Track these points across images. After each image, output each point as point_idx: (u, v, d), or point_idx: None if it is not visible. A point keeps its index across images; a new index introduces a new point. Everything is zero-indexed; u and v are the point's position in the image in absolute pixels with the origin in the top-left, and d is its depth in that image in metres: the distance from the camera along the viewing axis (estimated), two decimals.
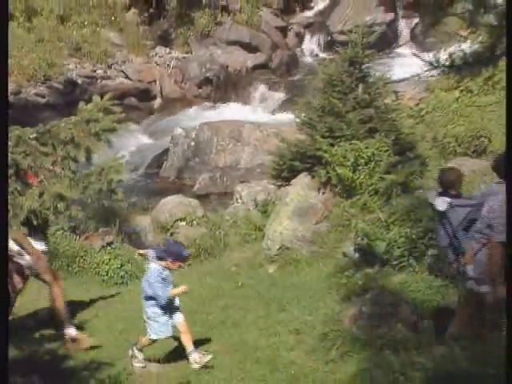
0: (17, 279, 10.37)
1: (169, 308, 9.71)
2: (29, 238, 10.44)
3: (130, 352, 10.03)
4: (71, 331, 10.62)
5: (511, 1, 4.79)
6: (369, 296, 10.71)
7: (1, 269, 5.70)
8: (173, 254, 9.56)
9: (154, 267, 9.61)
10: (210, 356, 9.68)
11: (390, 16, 25.64)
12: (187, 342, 9.71)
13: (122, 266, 15.42)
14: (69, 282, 14.60)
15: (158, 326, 9.63)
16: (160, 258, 9.59)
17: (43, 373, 9.62)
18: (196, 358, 9.62)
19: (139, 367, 9.88)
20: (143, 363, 9.93)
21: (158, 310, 9.61)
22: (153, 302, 9.58)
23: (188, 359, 9.70)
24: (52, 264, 15.05)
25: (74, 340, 10.69)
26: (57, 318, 10.66)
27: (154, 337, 9.77)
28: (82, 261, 15.26)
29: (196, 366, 9.58)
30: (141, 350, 9.97)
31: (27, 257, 10.58)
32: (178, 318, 9.79)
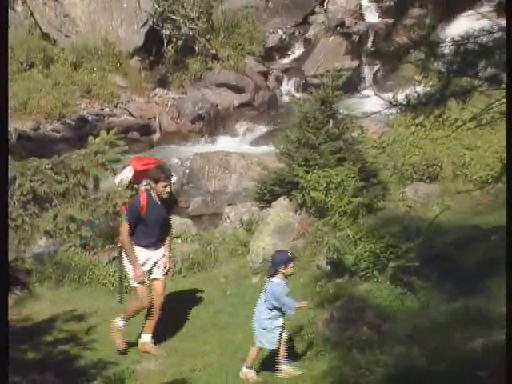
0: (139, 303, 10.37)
1: None
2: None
3: (243, 376, 9.42)
4: (145, 338, 10.48)
5: (511, 2, 4.83)
6: (339, 303, 10.77)
7: (1, 269, 5.57)
8: (282, 261, 9.27)
9: (278, 282, 9.24)
10: (299, 372, 9.25)
11: (356, 63, 25.80)
12: (283, 353, 9.35)
13: (125, 276, 15.36)
14: (80, 292, 14.59)
15: (272, 338, 9.22)
16: (274, 274, 9.27)
17: (57, 371, 9.65)
18: (287, 370, 9.27)
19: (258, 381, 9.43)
20: (257, 375, 9.44)
21: (279, 323, 9.28)
22: (278, 313, 9.23)
23: (279, 369, 9.37)
24: (66, 277, 15.11)
25: (145, 346, 10.55)
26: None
27: (268, 346, 9.36)
28: (91, 273, 15.18)
29: (285, 376, 9.25)
30: (251, 367, 9.42)
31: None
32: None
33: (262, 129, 24.22)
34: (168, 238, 10.71)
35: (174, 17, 25.25)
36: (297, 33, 27.77)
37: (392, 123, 18.23)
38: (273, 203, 15.37)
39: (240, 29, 26.58)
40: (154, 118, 24.66)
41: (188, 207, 20.08)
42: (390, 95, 14.75)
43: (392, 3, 25.95)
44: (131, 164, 10.06)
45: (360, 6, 27.98)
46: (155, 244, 10.30)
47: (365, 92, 24.40)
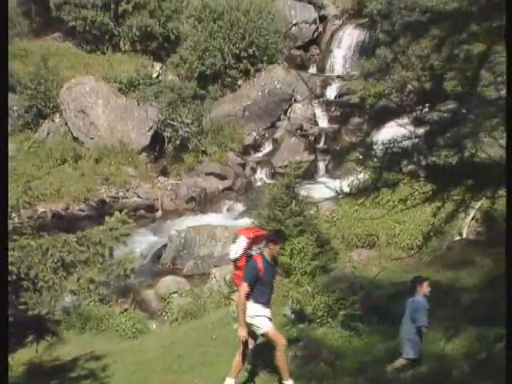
0: (250, 340, 9.49)
1: None
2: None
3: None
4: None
5: (511, 2, 4.80)
6: (301, 343, 10.72)
7: (1, 269, 5.36)
8: (418, 281, 8.96)
9: (421, 300, 8.84)
10: None
11: (312, 157, 26.01)
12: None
13: (133, 325, 15.21)
14: (98, 337, 14.46)
15: (417, 348, 8.76)
16: (414, 293, 8.90)
17: None
18: None
19: None
20: None
21: (417, 338, 8.84)
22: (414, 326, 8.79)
23: None
24: (87, 325, 14.94)
25: None
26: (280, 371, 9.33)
27: (413, 356, 8.84)
28: (106, 322, 15.06)
29: None
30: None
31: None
32: None
33: (240, 207, 24.26)
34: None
35: (173, 123, 25.42)
36: (267, 134, 27.92)
37: (340, 203, 18.30)
38: None
39: (224, 131, 26.77)
40: (157, 199, 24.66)
41: (183, 269, 19.97)
42: (338, 183, 14.87)
43: (338, 113, 26.27)
44: (243, 234, 9.28)
45: (314, 114, 28.25)
46: (269, 301, 9.38)
47: (319, 179, 24.54)
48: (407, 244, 16.48)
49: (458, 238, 15.29)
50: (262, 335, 9.27)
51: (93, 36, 28.47)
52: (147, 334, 15.21)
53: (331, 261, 15.23)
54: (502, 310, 9.31)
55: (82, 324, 14.95)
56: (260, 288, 9.12)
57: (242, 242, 9.16)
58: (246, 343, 9.30)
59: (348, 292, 11.78)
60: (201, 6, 29.32)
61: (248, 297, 9.02)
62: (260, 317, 9.12)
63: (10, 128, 25.62)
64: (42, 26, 29.10)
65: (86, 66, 27.69)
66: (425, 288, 8.93)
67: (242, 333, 9.03)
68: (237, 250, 9.15)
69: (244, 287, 8.97)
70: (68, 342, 13.28)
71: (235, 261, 9.20)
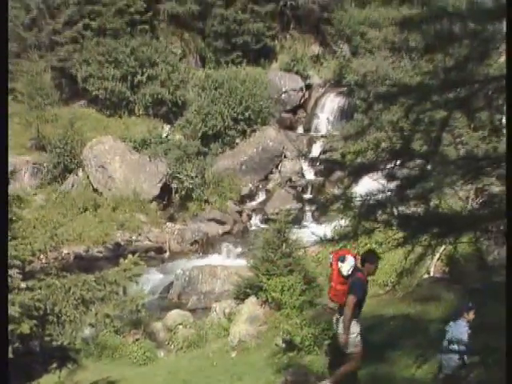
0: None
1: None
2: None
3: None
4: None
5: (511, 2, 4.66)
6: (291, 370, 10.59)
7: (1, 268, 5.18)
8: (467, 308, 8.50)
9: (464, 324, 8.44)
10: None
11: (300, 205, 25.98)
12: None
13: (144, 353, 15.02)
14: (113, 364, 14.28)
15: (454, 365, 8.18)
16: (459, 317, 8.48)
17: None
18: None
19: None
20: None
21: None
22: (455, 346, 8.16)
23: None
24: (103, 353, 14.75)
25: None
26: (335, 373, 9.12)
27: (450, 372, 8.33)
28: (120, 351, 14.89)
29: None
30: None
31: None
32: None
33: (238, 249, 24.13)
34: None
35: (179, 176, 25.47)
36: (261, 186, 27.97)
37: (324, 245, 18.23)
38: (245, 300, 15.21)
39: (223, 183, 26.82)
40: (165, 242, 24.55)
41: (187, 303, 19.80)
42: (322, 228, 14.81)
43: (322, 168, 26.43)
44: (351, 254, 9.04)
45: (302, 168, 28.37)
46: (359, 316, 8.98)
47: (307, 224, 24.50)
48: (383, 281, 16.36)
49: (426, 276, 15.21)
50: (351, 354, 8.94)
51: (112, 103, 28.68)
52: (156, 361, 15.04)
53: (317, 296, 15.09)
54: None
55: (99, 352, 14.80)
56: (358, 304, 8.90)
57: (352, 261, 8.91)
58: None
59: (331, 324, 11.70)
60: (204, 76, 29.77)
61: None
62: (355, 335, 8.84)
63: (40, 181, 25.71)
64: (70, 95, 29.35)
65: (105, 128, 27.87)
66: (471, 316, 8.59)
67: (344, 339, 8.76)
68: (348, 267, 8.85)
69: (353, 300, 8.66)
70: (87, 368, 13.11)
71: (347, 277, 8.86)
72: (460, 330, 8.47)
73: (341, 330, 8.87)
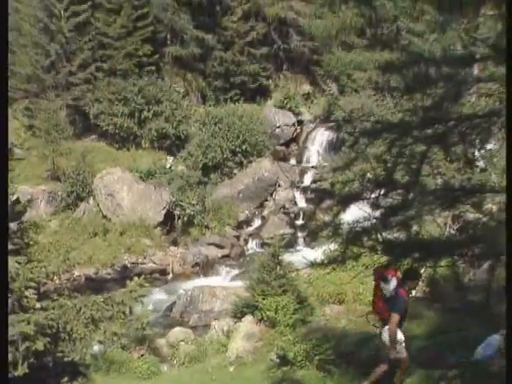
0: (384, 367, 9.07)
1: None
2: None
3: None
4: None
5: (511, 1, 4.59)
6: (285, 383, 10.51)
7: (1, 268, 5.04)
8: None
9: (496, 340, 8.46)
10: None
11: (293, 231, 26.04)
12: None
13: (148, 368, 14.88)
14: (120, 378, 14.14)
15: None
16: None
17: None
18: None
19: None
20: None
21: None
22: None
23: None
24: (111, 368, 14.58)
25: None
26: None
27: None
28: (127, 365, 14.77)
29: None
30: None
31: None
32: None
33: (236, 271, 24.03)
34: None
35: (182, 203, 25.46)
36: (256, 212, 27.96)
37: (315, 267, 18.13)
38: (243, 319, 15.14)
39: (222, 210, 26.78)
40: (169, 264, 24.49)
41: (189, 321, 19.66)
42: (313, 251, 14.76)
43: (313, 196, 26.41)
44: (392, 274, 8.74)
45: (294, 197, 28.35)
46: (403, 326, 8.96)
47: (298, 248, 24.44)
48: (369, 300, 16.28)
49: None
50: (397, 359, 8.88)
51: (121, 137, 28.78)
52: (159, 375, 14.90)
53: (308, 315, 15.04)
54: (445, 354, 9.18)
55: (107, 367, 14.64)
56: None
57: (395, 283, 8.76)
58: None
59: (322, 340, 11.62)
60: (205, 113, 29.94)
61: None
62: (401, 343, 8.80)
63: (55, 208, 25.67)
64: (82, 130, 29.46)
65: (114, 160, 27.93)
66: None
67: (393, 354, 8.71)
68: (391, 289, 8.74)
69: (397, 317, 8.58)
70: (96, 382, 12.92)
71: (390, 297, 8.77)
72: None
73: (386, 340, 8.81)
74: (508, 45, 4.67)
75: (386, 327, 8.76)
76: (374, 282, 9.12)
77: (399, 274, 8.86)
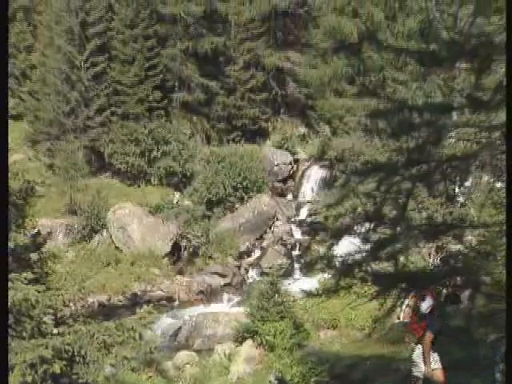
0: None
1: None
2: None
3: None
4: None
5: (511, 1, 4.53)
6: None
7: (1, 268, 4.81)
8: None
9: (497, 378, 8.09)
10: None
11: (290, 261, 25.92)
12: None
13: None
14: None
15: None
16: None
17: None
18: None
19: None
20: None
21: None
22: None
23: None
24: None
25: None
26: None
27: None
28: None
29: None
30: None
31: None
32: None
33: (237, 298, 23.83)
34: None
35: (187, 235, 25.46)
36: (256, 244, 27.85)
37: (312, 297, 18.00)
38: (243, 343, 15.02)
39: (225, 242, 26.59)
40: (175, 292, 24.29)
41: (194, 345, 19.42)
42: (309, 280, 14.63)
43: (308, 229, 26.42)
44: (428, 294, 8.51)
45: (291, 229, 28.38)
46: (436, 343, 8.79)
47: (296, 277, 24.27)
48: (360, 325, 16.21)
49: (397, 321, 15.06)
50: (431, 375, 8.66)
51: (132, 174, 28.93)
52: None
53: (304, 339, 14.94)
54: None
55: None
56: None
57: (431, 301, 8.60)
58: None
59: (318, 363, 11.50)
60: (209, 152, 30.15)
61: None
62: (436, 361, 8.65)
63: (71, 240, 25.61)
64: (97, 168, 29.63)
65: (126, 195, 27.99)
66: None
67: (428, 370, 8.54)
68: (427, 306, 8.58)
69: (431, 336, 8.48)
70: None
71: (425, 315, 8.63)
72: None
73: (417, 357, 8.69)
74: (508, 44, 4.58)
75: (419, 345, 8.67)
76: (412, 303, 9.04)
77: (434, 294, 8.77)
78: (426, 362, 8.55)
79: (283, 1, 32.61)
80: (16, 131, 28.52)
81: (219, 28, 32.05)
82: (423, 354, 8.58)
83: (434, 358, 8.65)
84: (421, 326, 8.75)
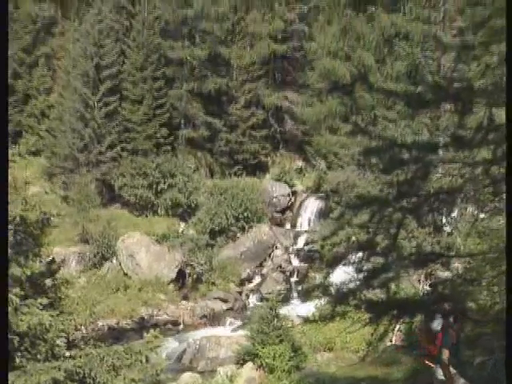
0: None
1: None
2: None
3: None
4: None
5: (511, 1, 4.43)
6: None
7: (1, 268, 4.61)
8: None
9: None
10: None
11: (288, 286, 25.69)
12: None
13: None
14: None
15: None
16: None
17: None
18: None
19: None
20: None
21: None
22: None
23: None
24: None
25: None
26: None
27: None
28: None
29: None
30: None
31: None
32: None
33: (238, 323, 23.49)
34: None
35: (192, 263, 25.34)
36: (257, 271, 27.55)
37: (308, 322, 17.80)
38: (244, 365, 14.85)
39: (227, 269, 26.35)
40: (180, 316, 24.04)
41: (197, 367, 19.18)
42: (306, 306, 14.50)
43: (306, 256, 26.24)
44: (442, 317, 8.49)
45: (289, 257, 28.22)
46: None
47: (294, 302, 23.97)
48: (355, 348, 16.02)
49: (389, 343, 14.91)
50: None
51: (140, 205, 28.96)
52: None
53: (302, 362, 14.77)
54: None
55: None
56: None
57: (440, 320, 8.51)
58: None
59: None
60: (212, 185, 30.24)
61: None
62: (455, 374, 8.63)
63: (83, 267, 25.49)
64: (108, 200, 29.73)
65: (134, 225, 27.95)
66: None
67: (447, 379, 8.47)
68: (436, 324, 8.53)
69: (447, 352, 8.44)
70: None
71: (436, 333, 8.57)
72: None
73: (439, 375, 8.64)
74: (508, 44, 4.55)
75: (438, 365, 8.64)
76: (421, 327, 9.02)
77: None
78: (448, 377, 8.50)
79: (281, 46, 33.21)
80: (35, 166, 28.75)
81: (222, 70, 32.64)
82: (443, 371, 8.57)
83: (453, 373, 8.66)
84: (435, 345, 8.73)
